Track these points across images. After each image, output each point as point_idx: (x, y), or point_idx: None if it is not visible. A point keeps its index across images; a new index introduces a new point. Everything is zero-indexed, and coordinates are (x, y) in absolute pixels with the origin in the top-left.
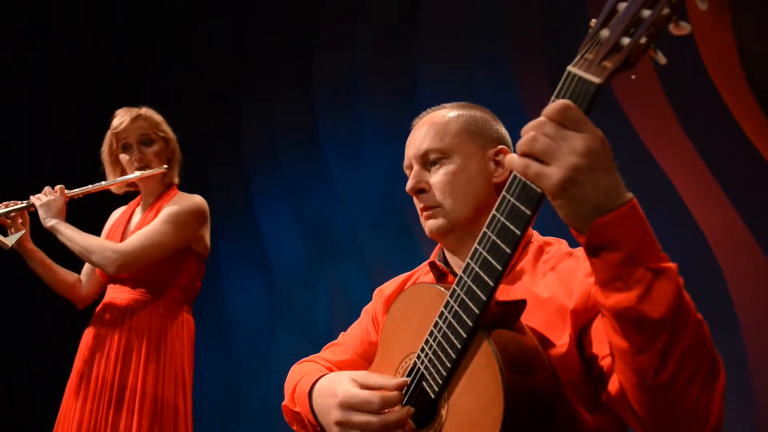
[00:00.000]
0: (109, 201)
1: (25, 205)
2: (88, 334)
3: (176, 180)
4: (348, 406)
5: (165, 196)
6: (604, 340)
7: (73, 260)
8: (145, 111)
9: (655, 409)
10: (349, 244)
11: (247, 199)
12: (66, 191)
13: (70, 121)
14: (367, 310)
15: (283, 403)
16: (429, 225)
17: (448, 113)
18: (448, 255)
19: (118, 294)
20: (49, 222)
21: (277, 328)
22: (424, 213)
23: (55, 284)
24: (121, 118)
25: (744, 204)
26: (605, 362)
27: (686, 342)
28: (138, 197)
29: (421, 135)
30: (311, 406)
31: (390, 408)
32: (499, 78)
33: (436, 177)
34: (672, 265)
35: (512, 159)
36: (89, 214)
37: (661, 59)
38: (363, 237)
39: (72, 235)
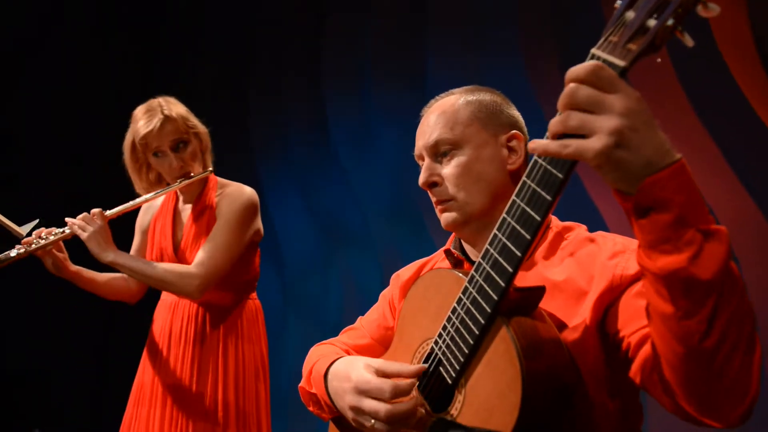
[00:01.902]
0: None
1: (64, 234)
2: (160, 334)
3: (210, 165)
4: (361, 391)
5: (208, 189)
6: (630, 317)
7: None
8: (168, 110)
9: (697, 377)
10: (360, 233)
11: (257, 189)
12: (105, 213)
13: (78, 115)
14: (384, 295)
15: (299, 384)
16: (444, 218)
17: (457, 100)
18: (464, 244)
19: (173, 296)
20: (108, 257)
21: (289, 317)
22: (438, 206)
23: (106, 294)
24: (148, 124)
25: (758, 188)
26: (633, 338)
27: (732, 308)
28: (173, 195)
29: (431, 125)
30: (326, 388)
31: (402, 397)
32: (510, 64)
33: (448, 169)
34: (722, 227)
35: (541, 144)
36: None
37: (689, 41)
38: (373, 225)
39: (140, 268)
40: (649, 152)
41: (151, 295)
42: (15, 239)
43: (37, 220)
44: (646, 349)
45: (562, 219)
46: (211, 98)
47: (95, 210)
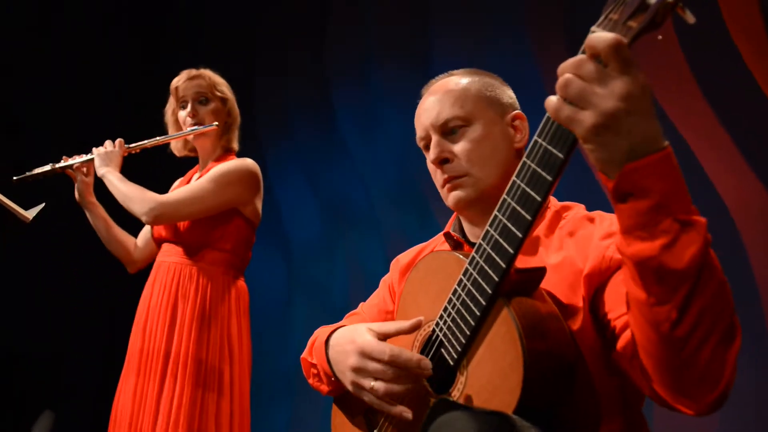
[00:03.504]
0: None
1: (88, 158)
2: (141, 304)
3: (235, 145)
4: (365, 353)
5: (220, 160)
6: (617, 301)
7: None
8: (204, 71)
9: (667, 365)
10: (366, 217)
11: (263, 173)
12: (125, 145)
13: (82, 99)
14: (385, 281)
15: (302, 356)
16: (455, 196)
17: (461, 79)
18: (465, 226)
19: (165, 258)
20: (102, 170)
21: (295, 301)
22: (449, 183)
23: (111, 242)
24: (180, 76)
25: (766, 173)
26: (618, 322)
27: (707, 299)
28: (197, 165)
29: (437, 104)
30: (327, 354)
31: (405, 361)
32: (516, 47)
33: (461, 145)
34: (701, 219)
35: (548, 100)
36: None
37: (690, 18)
38: (379, 209)
39: (117, 183)
40: (638, 139)
41: None
42: (22, 225)
43: (43, 204)
44: (628, 333)
45: (566, 199)
46: None
47: (118, 139)
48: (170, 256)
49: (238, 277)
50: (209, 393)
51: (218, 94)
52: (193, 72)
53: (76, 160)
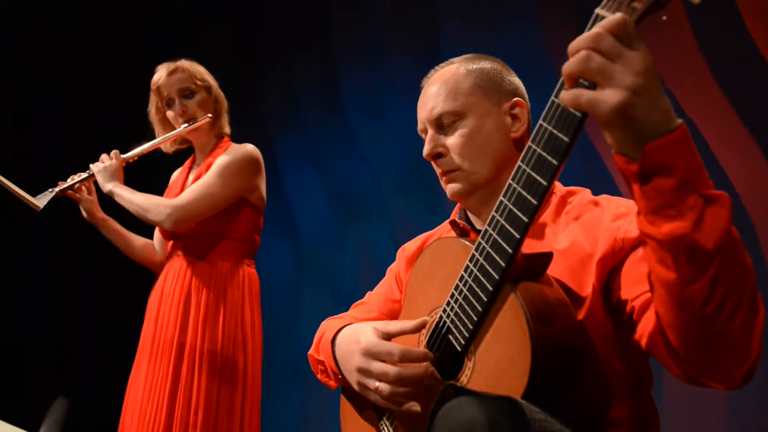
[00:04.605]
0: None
1: (87, 175)
2: (153, 296)
3: (227, 129)
4: (370, 354)
5: (217, 148)
6: (635, 281)
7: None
8: (182, 63)
9: (698, 342)
10: (374, 203)
11: (272, 161)
12: (121, 155)
13: (90, 88)
14: (391, 269)
15: (309, 352)
16: (450, 189)
17: (457, 70)
18: (470, 214)
19: (177, 251)
20: (107, 186)
21: (304, 288)
22: (444, 177)
23: (130, 250)
24: (159, 74)
25: None
26: (637, 302)
27: (734, 272)
28: (193, 155)
29: (432, 96)
30: (333, 352)
31: (411, 362)
32: (525, 33)
33: (452, 139)
34: (723, 192)
35: (564, 92)
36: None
37: None
38: (387, 196)
39: (128, 196)
40: (657, 115)
41: None
42: (32, 211)
43: (52, 191)
44: (651, 313)
45: (572, 184)
46: (223, 72)
47: (113, 151)
48: (182, 248)
49: (249, 265)
50: (224, 382)
51: (201, 83)
52: (171, 66)
53: (75, 180)
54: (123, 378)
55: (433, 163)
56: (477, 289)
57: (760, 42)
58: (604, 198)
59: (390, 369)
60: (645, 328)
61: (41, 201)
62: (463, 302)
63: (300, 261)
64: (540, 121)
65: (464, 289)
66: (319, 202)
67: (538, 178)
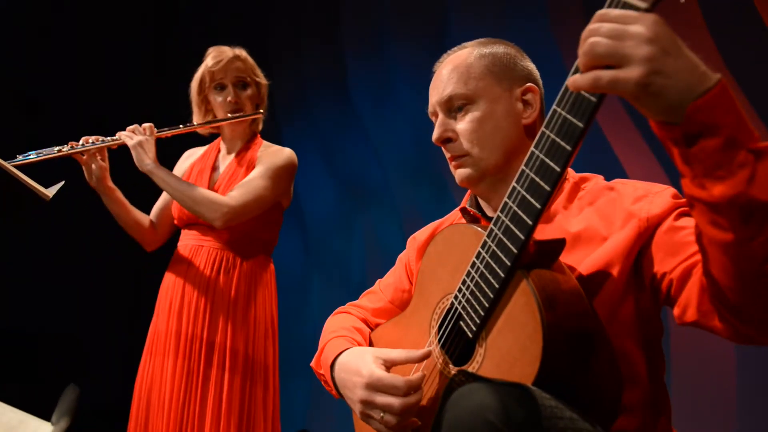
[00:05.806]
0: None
1: (112, 141)
2: (173, 285)
3: (260, 127)
4: (374, 387)
5: (253, 145)
6: (669, 253)
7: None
8: (240, 52)
9: (759, 298)
10: (382, 192)
11: None
12: (155, 131)
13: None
14: (401, 258)
15: (311, 363)
16: (459, 174)
17: (470, 54)
18: (480, 201)
19: (201, 242)
20: (147, 165)
21: (312, 277)
22: (453, 162)
23: (129, 224)
24: (218, 56)
25: None
26: (675, 273)
27: None
28: (217, 140)
29: (444, 80)
30: (333, 377)
31: (414, 391)
32: (533, 18)
33: (462, 124)
34: None
35: (575, 80)
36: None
37: None
38: (395, 184)
39: (174, 183)
40: (687, 76)
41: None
42: (42, 202)
43: (62, 182)
44: (693, 281)
45: (582, 170)
46: None
47: (146, 124)
48: (207, 240)
49: (270, 261)
50: (257, 380)
51: (256, 78)
52: (231, 52)
53: (97, 143)
54: (133, 365)
55: (442, 147)
56: (489, 275)
57: None
58: (618, 182)
59: (395, 401)
60: (689, 298)
61: (51, 191)
62: (474, 289)
63: (307, 248)
64: (554, 107)
65: (476, 276)
66: (326, 190)
67: (552, 164)
